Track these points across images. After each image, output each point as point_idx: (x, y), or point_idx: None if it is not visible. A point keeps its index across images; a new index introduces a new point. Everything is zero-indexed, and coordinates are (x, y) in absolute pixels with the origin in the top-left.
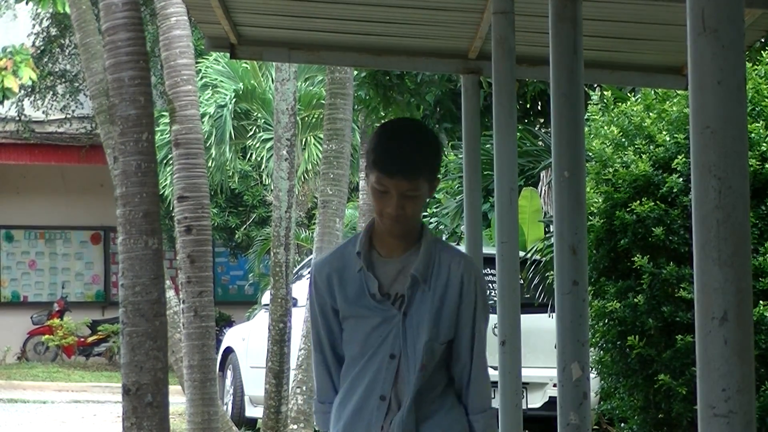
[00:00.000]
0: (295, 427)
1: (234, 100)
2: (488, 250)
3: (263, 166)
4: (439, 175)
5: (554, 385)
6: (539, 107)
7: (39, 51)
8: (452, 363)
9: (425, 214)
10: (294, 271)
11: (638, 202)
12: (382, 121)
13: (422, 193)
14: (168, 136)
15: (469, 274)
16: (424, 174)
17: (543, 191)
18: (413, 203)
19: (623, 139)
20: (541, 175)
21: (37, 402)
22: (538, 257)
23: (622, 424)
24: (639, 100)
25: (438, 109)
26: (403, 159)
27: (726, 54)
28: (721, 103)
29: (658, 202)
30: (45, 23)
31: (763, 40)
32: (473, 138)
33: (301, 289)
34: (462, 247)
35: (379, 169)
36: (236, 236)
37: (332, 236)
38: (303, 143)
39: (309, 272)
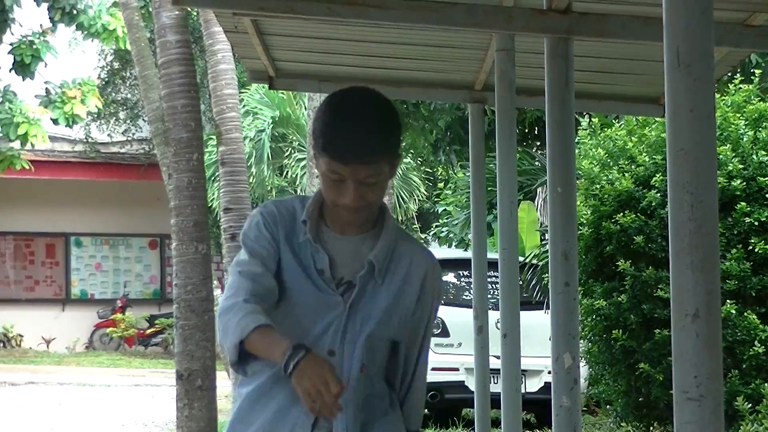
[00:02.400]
0: None
1: (271, 125)
2: (492, 255)
3: (297, 182)
4: (400, 152)
5: (549, 372)
6: (536, 132)
7: (103, 82)
8: (392, 369)
9: (436, 223)
10: None
11: (622, 214)
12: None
13: (383, 178)
14: (215, 156)
15: (433, 274)
16: (385, 156)
17: (539, 205)
18: (374, 190)
19: (608, 160)
20: (538, 190)
21: (103, 385)
22: (535, 262)
23: (608, 406)
24: (622, 126)
25: (448, 133)
26: (359, 142)
27: (698, 86)
28: (694, 128)
29: (638, 214)
30: (109, 58)
31: (730, 74)
32: (479, 159)
33: None
34: (469, 253)
35: (331, 156)
36: None
37: None
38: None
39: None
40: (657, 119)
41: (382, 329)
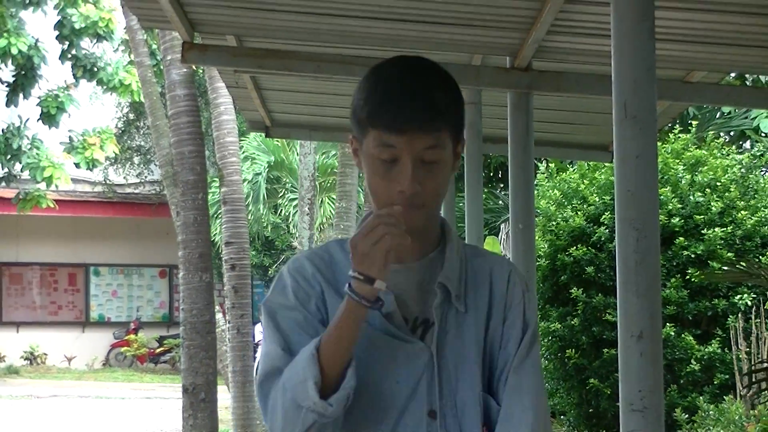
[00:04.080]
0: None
1: (267, 169)
2: None
3: (290, 219)
4: (463, 129)
5: None
6: (500, 175)
7: (120, 131)
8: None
9: None
10: None
11: (575, 247)
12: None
13: (446, 157)
14: (218, 196)
15: (515, 276)
16: (448, 122)
17: (502, 239)
18: (434, 174)
19: (563, 200)
20: (501, 226)
21: (118, 398)
22: None
23: (562, 417)
24: (575, 170)
25: None
26: (415, 100)
27: (642, 135)
28: (639, 172)
29: (590, 247)
30: (125, 110)
31: (670, 125)
32: (450, 199)
33: None
34: None
35: (381, 123)
36: (269, 272)
37: None
38: (320, 202)
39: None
40: (606, 164)
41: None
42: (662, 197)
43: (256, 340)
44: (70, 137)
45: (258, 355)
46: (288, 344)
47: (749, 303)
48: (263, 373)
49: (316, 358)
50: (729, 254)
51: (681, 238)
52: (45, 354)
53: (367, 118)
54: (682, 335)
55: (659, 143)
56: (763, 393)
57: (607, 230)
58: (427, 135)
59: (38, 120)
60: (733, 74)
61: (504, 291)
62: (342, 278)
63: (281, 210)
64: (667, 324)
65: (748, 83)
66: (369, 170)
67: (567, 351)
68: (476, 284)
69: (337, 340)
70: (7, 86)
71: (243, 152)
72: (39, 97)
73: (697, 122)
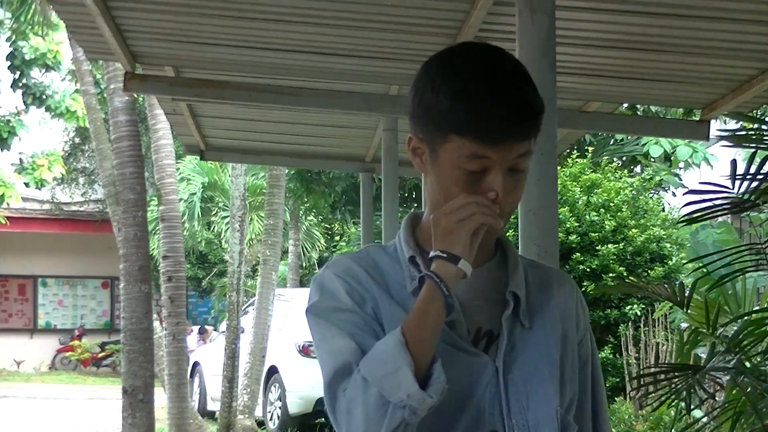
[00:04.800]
0: (242, 416)
1: (201, 189)
2: None
3: (222, 235)
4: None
5: None
6: (414, 195)
7: (67, 153)
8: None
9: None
10: (243, 308)
11: None
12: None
13: (529, 163)
14: (156, 213)
15: (579, 294)
16: (540, 126)
17: None
18: (519, 181)
19: None
20: None
21: (63, 399)
22: None
23: None
24: None
25: (344, 196)
26: (515, 108)
27: (544, 160)
28: (540, 194)
29: None
30: (71, 134)
31: (569, 150)
32: (368, 217)
33: (247, 321)
34: None
35: (474, 134)
36: (203, 284)
37: (270, 284)
38: (249, 220)
39: (311, 285)
40: None
41: (563, 396)
42: (561, 216)
43: (189, 348)
44: (20, 159)
45: (320, 360)
46: (355, 339)
47: (638, 313)
48: (333, 371)
49: (405, 345)
50: (621, 268)
51: (578, 254)
52: None
53: (454, 126)
54: None
55: (558, 167)
56: (650, 395)
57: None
58: (521, 144)
59: None
60: (625, 105)
61: (573, 311)
62: (393, 284)
63: (214, 227)
64: None
65: (639, 113)
66: (448, 179)
67: None
68: (541, 299)
69: (420, 330)
70: None
71: (179, 174)
72: None
73: (593, 148)
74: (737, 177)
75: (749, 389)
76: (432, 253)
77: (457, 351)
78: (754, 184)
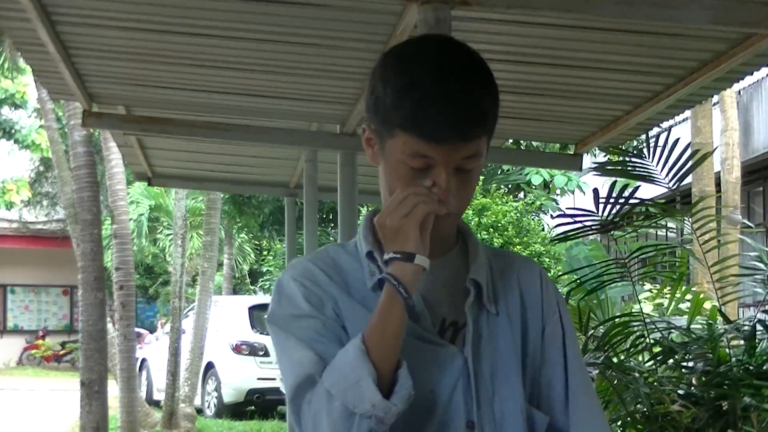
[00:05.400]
0: (184, 405)
1: (149, 210)
2: None
3: (166, 250)
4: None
5: None
6: (331, 217)
7: (32, 179)
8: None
9: (262, 279)
10: (184, 313)
11: None
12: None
13: (481, 161)
14: (110, 231)
15: (547, 280)
16: (491, 128)
17: None
18: (468, 182)
19: None
20: None
21: (28, 390)
22: None
23: None
24: None
25: (271, 217)
26: (458, 108)
27: None
28: None
29: None
30: (36, 163)
31: None
32: (292, 235)
33: (188, 324)
34: None
35: (417, 131)
36: (149, 291)
37: (207, 292)
38: (190, 237)
39: (274, 289)
40: None
41: (524, 381)
42: None
43: (137, 346)
44: None
45: (282, 372)
46: (315, 348)
47: None
48: (295, 384)
49: (366, 354)
50: None
51: None
52: None
53: (398, 121)
54: None
55: None
56: None
57: None
58: (468, 144)
59: None
60: (510, 140)
61: (538, 296)
62: (353, 282)
63: (159, 243)
64: None
65: (522, 147)
66: (392, 173)
67: None
68: (504, 286)
69: (381, 336)
70: None
71: (129, 197)
72: None
73: (483, 177)
74: (601, 202)
75: (615, 381)
76: (386, 256)
77: (423, 344)
78: (617, 207)
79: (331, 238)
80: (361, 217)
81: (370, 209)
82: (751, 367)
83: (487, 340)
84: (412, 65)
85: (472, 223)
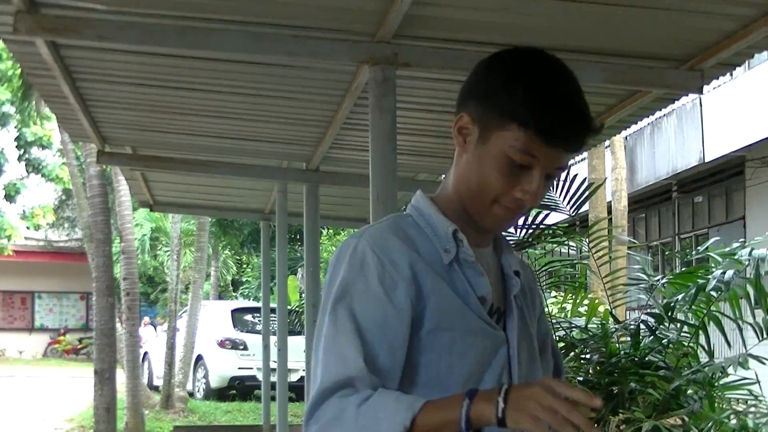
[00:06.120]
0: (178, 389)
1: (150, 231)
2: (272, 305)
3: (164, 264)
4: None
5: (303, 371)
6: (298, 237)
7: (56, 206)
8: None
9: (242, 287)
10: (178, 314)
11: None
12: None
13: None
14: (119, 248)
15: (536, 279)
16: (586, 144)
17: (299, 277)
18: (547, 186)
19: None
20: (299, 269)
21: (52, 377)
22: (296, 308)
23: None
24: (345, 233)
25: (249, 237)
26: (580, 122)
27: (386, 211)
28: None
29: None
30: (59, 192)
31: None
32: (267, 252)
33: (182, 323)
34: (260, 303)
35: (537, 130)
36: (151, 297)
37: (197, 298)
38: (183, 253)
39: (348, 253)
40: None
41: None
42: None
43: (142, 341)
44: (23, 210)
45: (323, 351)
46: (366, 349)
47: None
48: (334, 380)
49: (400, 425)
50: None
51: None
52: (4, 349)
53: (518, 116)
54: None
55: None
56: None
57: None
58: (567, 155)
59: (3, 198)
60: (444, 174)
61: (536, 289)
62: (424, 255)
63: (159, 258)
64: None
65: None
66: (490, 162)
67: None
68: (525, 280)
69: (429, 425)
70: None
71: (135, 221)
72: (3, 185)
73: None
74: (518, 226)
75: None
76: (497, 399)
77: (485, 325)
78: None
79: (298, 254)
80: (322, 235)
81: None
82: (636, 359)
83: (523, 329)
84: (541, 70)
85: None
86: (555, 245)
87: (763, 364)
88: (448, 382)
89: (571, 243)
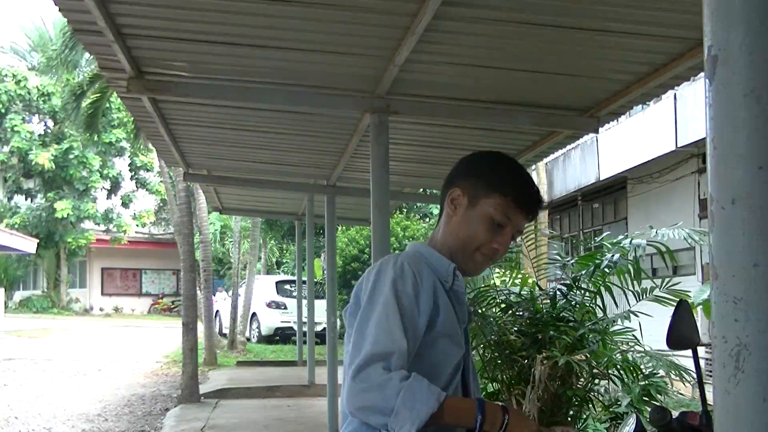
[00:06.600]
0: (240, 336)
1: (220, 227)
2: (303, 278)
3: (229, 251)
4: None
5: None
6: (321, 231)
7: (156, 210)
8: None
9: (284, 269)
10: (239, 285)
11: (353, 263)
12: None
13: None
14: (198, 239)
15: None
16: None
17: (322, 259)
18: (513, 241)
19: (349, 243)
20: (321, 254)
21: (154, 327)
22: (319, 280)
23: None
24: (355, 229)
25: (287, 231)
26: (539, 197)
27: (381, 215)
28: (381, 231)
29: (359, 263)
30: (158, 201)
31: (396, 210)
32: (299, 242)
33: (242, 291)
34: (295, 277)
35: (517, 204)
36: (220, 273)
37: (252, 274)
38: (242, 242)
39: (392, 268)
40: (365, 229)
41: None
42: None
43: (215, 303)
44: (134, 213)
45: (374, 324)
46: (405, 334)
47: None
48: (383, 348)
49: (434, 407)
50: None
51: None
52: (122, 307)
53: (504, 189)
54: None
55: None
56: None
57: (367, 257)
58: (527, 221)
59: (120, 205)
60: (422, 188)
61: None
62: (438, 281)
63: (225, 246)
64: None
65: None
66: (475, 221)
67: None
68: None
69: (448, 417)
70: (107, 192)
71: (209, 220)
72: (121, 196)
73: (406, 209)
74: None
75: (480, 323)
76: (507, 416)
77: (462, 340)
78: None
79: (321, 243)
80: (338, 231)
81: (416, 243)
82: (553, 315)
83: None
84: (514, 164)
85: (400, 236)
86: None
87: (637, 317)
88: (437, 371)
89: None
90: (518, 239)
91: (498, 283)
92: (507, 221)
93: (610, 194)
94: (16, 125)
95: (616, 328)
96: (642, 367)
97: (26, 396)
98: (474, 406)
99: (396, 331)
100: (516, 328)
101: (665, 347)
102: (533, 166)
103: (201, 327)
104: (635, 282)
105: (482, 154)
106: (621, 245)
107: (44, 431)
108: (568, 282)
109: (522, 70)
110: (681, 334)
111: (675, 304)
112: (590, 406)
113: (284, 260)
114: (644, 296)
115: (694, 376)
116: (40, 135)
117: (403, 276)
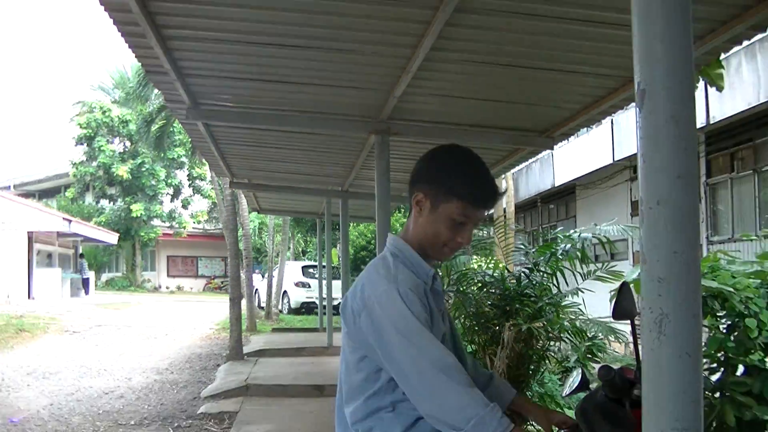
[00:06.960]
0: (274, 309)
1: (258, 224)
2: (314, 263)
3: (265, 242)
4: None
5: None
6: (337, 227)
7: (209, 210)
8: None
9: (306, 257)
10: (273, 269)
11: (362, 251)
12: (442, 149)
13: None
14: (241, 233)
15: None
16: None
17: (338, 249)
18: (475, 229)
19: (359, 235)
20: (337, 244)
21: (208, 302)
22: (335, 265)
23: None
24: (366, 225)
25: (311, 227)
26: (494, 191)
27: (383, 214)
28: (384, 229)
29: (369, 251)
30: (209, 203)
31: (394, 210)
32: (320, 236)
33: (275, 273)
34: (315, 261)
35: (473, 202)
36: (258, 259)
37: (284, 261)
38: (275, 235)
39: (388, 295)
40: (371, 224)
41: None
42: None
43: (254, 283)
44: (191, 213)
45: (422, 350)
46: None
47: None
48: (449, 362)
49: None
50: None
51: None
52: (183, 286)
53: (461, 194)
54: None
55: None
56: None
57: (373, 246)
58: (485, 213)
59: (181, 207)
60: None
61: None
62: (418, 273)
63: (262, 238)
64: None
65: None
66: (439, 222)
67: None
68: None
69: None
70: (170, 197)
71: (250, 218)
72: (181, 200)
73: (404, 209)
74: None
75: (461, 298)
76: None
77: (441, 330)
78: None
79: (337, 236)
80: (351, 228)
81: (393, 233)
82: (519, 291)
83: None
84: (471, 161)
85: (398, 230)
86: (477, 230)
87: (583, 293)
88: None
89: (485, 229)
90: (491, 232)
91: (476, 267)
92: (467, 219)
93: (562, 197)
94: (102, 146)
95: (567, 301)
96: (586, 331)
97: (112, 353)
98: None
99: (440, 346)
100: (489, 302)
101: (605, 315)
102: (503, 176)
103: (244, 302)
104: (582, 265)
105: (440, 154)
106: (571, 237)
107: (126, 380)
108: (530, 266)
109: (494, 101)
110: (623, 308)
111: (613, 282)
112: (546, 362)
113: (308, 249)
114: (589, 276)
115: (628, 338)
116: (120, 153)
117: (415, 304)
